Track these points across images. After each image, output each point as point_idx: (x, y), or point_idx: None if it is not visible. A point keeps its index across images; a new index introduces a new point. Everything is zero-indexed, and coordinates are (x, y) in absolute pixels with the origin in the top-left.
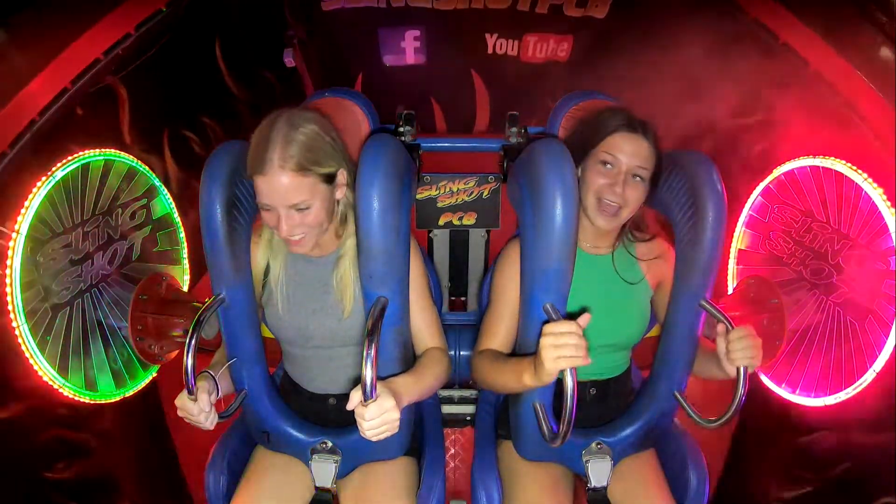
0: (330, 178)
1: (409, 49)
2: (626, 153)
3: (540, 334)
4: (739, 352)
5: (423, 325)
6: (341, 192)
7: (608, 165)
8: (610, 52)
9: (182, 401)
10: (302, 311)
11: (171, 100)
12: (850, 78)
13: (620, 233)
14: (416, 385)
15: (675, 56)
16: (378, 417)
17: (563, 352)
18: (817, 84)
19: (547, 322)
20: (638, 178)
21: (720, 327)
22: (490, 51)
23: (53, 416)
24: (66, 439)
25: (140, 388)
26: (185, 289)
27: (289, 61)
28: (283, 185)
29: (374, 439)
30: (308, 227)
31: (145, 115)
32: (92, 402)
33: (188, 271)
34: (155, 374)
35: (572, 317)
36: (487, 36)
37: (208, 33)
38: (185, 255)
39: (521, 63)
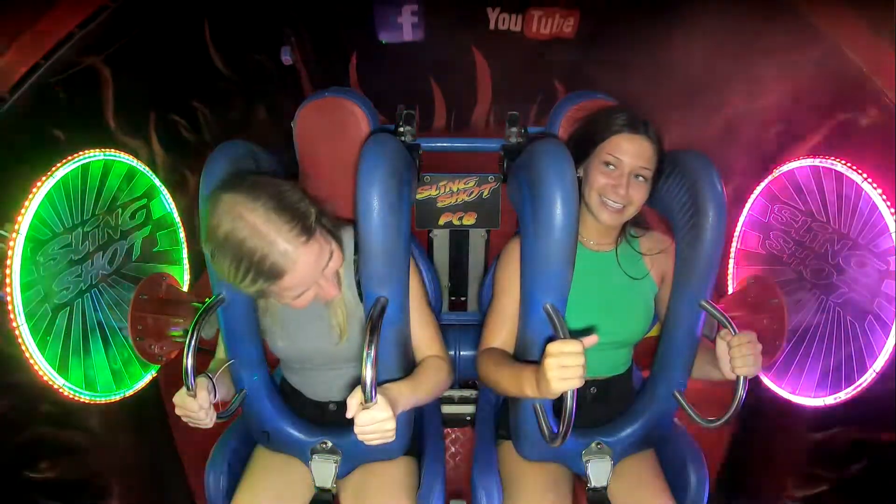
0: (319, 217)
1: (406, 25)
2: (630, 154)
3: (542, 345)
4: (740, 359)
5: (422, 334)
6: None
7: (611, 166)
8: (618, 28)
9: (181, 398)
10: (298, 340)
11: (158, 83)
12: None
13: (623, 229)
14: (414, 392)
15: (687, 35)
16: (370, 425)
17: (568, 373)
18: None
19: (550, 338)
20: (641, 178)
21: (721, 329)
22: (492, 26)
23: (57, 416)
24: (71, 439)
25: (139, 388)
26: (185, 289)
27: (286, 59)
28: (311, 263)
29: (367, 444)
30: (336, 273)
31: (131, 98)
32: (91, 402)
33: (188, 271)
34: (154, 374)
35: (575, 334)
36: (489, 10)
37: (196, 14)
38: (185, 255)
39: (526, 39)
